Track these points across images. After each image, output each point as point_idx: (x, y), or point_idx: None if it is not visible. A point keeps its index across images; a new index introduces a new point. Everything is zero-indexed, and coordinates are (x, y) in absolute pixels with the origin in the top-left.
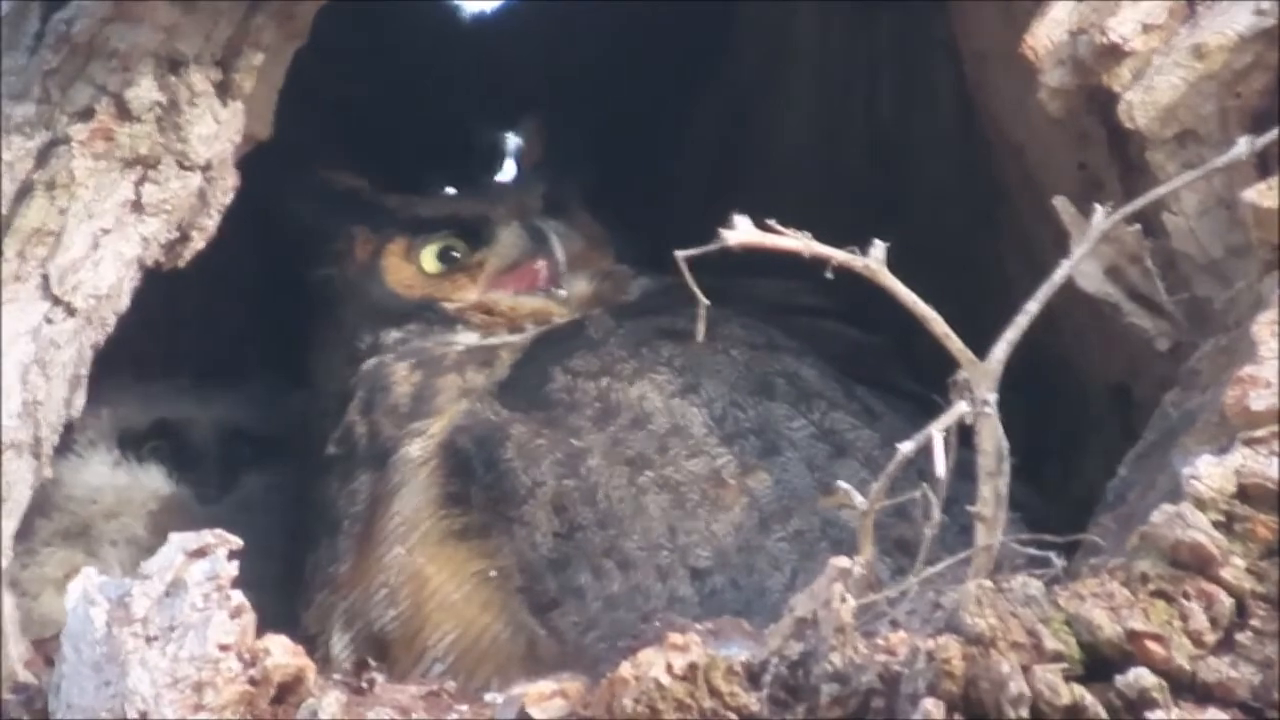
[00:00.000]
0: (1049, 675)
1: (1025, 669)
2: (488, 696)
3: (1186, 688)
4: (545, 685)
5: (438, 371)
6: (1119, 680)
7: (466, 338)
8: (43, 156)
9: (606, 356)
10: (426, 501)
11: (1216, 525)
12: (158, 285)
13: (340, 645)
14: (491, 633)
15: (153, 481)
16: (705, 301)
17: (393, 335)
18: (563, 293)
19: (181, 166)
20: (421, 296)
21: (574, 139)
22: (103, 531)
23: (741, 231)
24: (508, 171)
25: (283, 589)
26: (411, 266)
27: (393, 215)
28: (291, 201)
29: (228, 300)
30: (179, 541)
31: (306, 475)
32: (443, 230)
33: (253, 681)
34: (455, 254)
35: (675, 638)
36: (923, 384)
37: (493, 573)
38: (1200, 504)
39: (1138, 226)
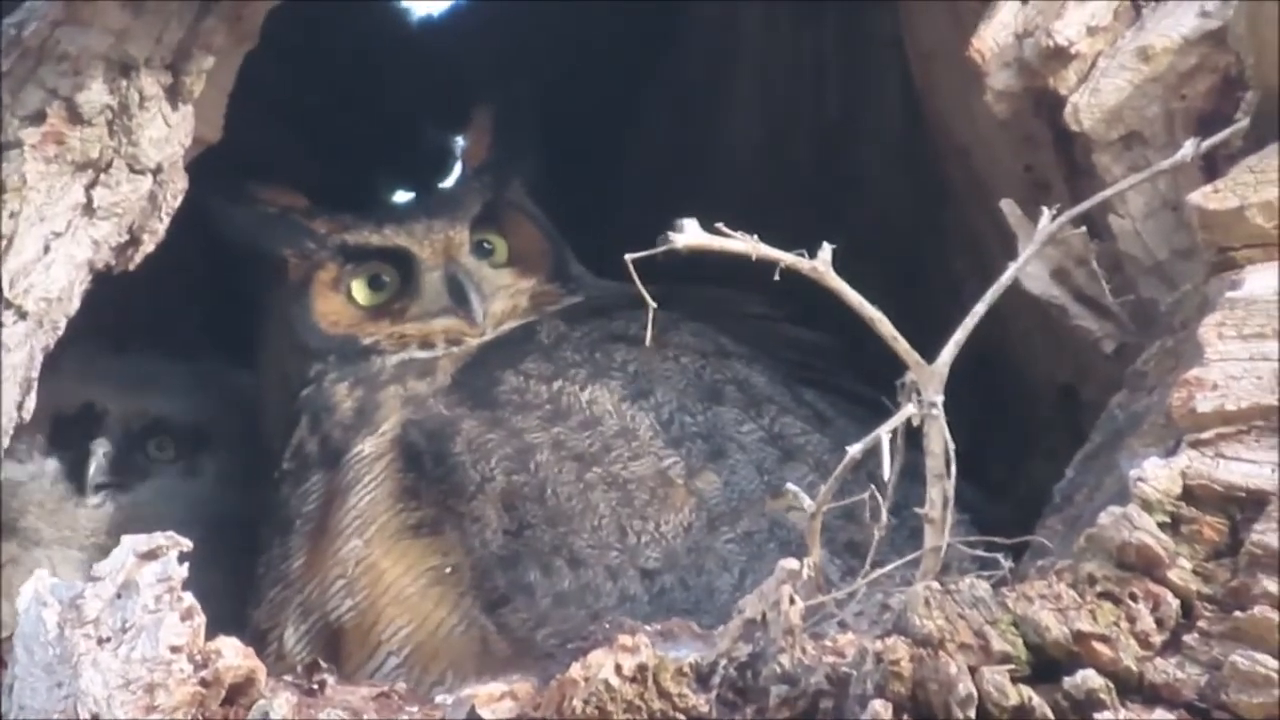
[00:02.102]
0: (997, 676)
1: (973, 670)
2: (438, 698)
3: (1133, 689)
4: (495, 687)
5: (377, 386)
6: (1066, 681)
7: (388, 359)
8: None
9: (560, 361)
10: (383, 495)
11: (1163, 527)
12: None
13: (294, 639)
14: (445, 628)
15: (49, 478)
16: (653, 304)
17: (316, 368)
18: (477, 326)
19: (132, 170)
20: (342, 333)
21: (519, 138)
22: (24, 529)
23: (689, 234)
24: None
25: None
26: (339, 295)
27: (322, 240)
28: (227, 218)
29: (177, 292)
30: (130, 543)
31: (259, 488)
32: (371, 260)
33: (204, 683)
34: (385, 279)
35: (625, 639)
36: (873, 387)
37: (448, 569)
38: (1147, 506)
39: (1084, 229)
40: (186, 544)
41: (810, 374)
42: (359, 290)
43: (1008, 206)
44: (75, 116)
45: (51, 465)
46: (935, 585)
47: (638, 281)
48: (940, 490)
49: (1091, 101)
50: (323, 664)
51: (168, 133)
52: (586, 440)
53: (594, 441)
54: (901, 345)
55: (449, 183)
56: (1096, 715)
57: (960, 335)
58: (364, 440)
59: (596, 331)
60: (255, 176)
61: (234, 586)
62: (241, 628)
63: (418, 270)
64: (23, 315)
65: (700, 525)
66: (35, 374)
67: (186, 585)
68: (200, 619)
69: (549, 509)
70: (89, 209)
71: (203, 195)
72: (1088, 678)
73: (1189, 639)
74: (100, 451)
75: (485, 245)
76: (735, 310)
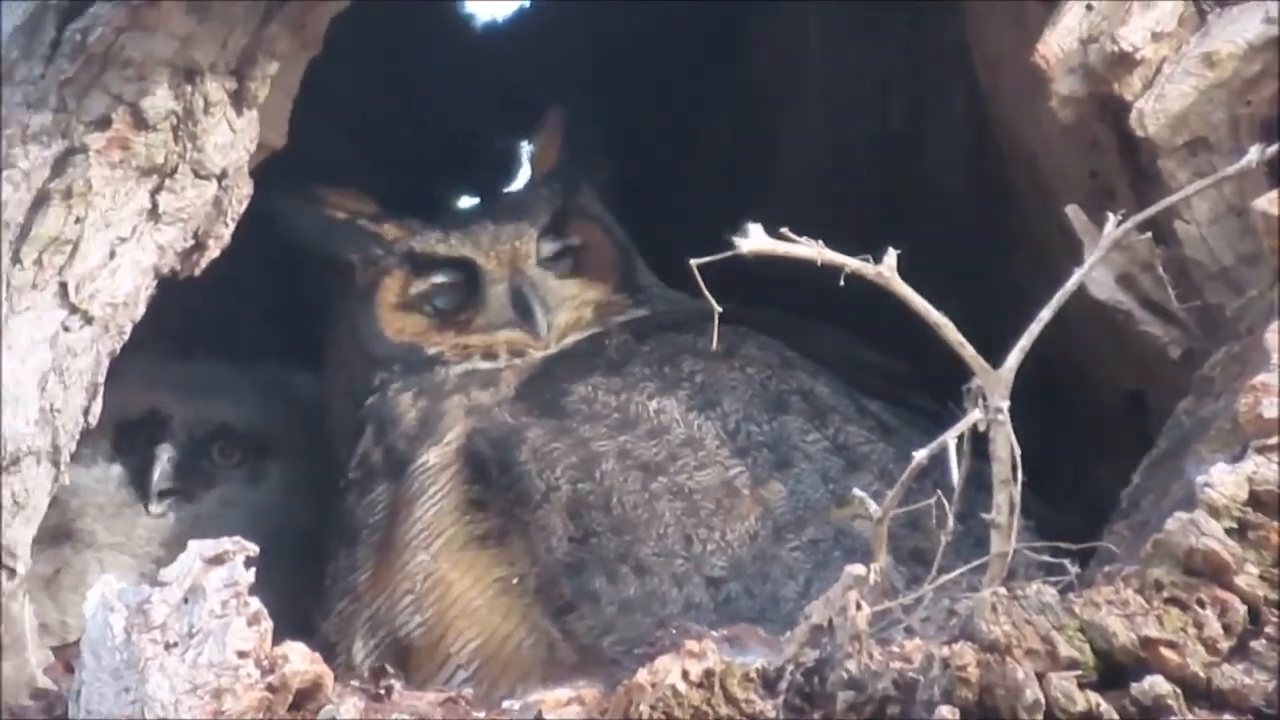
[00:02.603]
0: (1064, 682)
1: (1040, 676)
2: (505, 704)
3: (1201, 695)
4: (562, 692)
5: (441, 396)
6: (1134, 687)
7: (452, 370)
8: (59, 165)
9: (628, 375)
10: (450, 507)
11: (1230, 533)
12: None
13: (363, 653)
14: (514, 640)
15: (112, 484)
16: (718, 309)
17: (380, 376)
18: (541, 340)
19: (197, 175)
20: (405, 342)
21: (589, 143)
22: (79, 531)
23: (754, 239)
24: (522, 178)
25: None
26: (404, 303)
27: (389, 247)
28: (294, 222)
29: (241, 298)
30: (197, 548)
31: (325, 495)
32: (437, 268)
33: (271, 688)
34: (453, 287)
35: (692, 644)
36: (937, 403)
37: (515, 580)
38: (1214, 511)
39: (1149, 234)
40: (253, 549)
41: (874, 386)
42: (425, 299)
43: (1073, 212)
44: (140, 122)
45: (115, 471)
46: (1002, 591)
47: (703, 287)
48: (1006, 496)
49: (1156, 107)
50: (389, 669)
51: (232, 138)
52: (653, 449)
53: (660, 450)
54: (967, 350)
55: (518, 187)
56: None
57: (1026, 341)
58: (429, 450)
59: (665, 346)
60: (322, 181)
61: (298, 594)
62: (305, 634)
63: (483, 281)
64: (89, 320)
65: (766, 533)
66: (101, 379)
67: (253, 590)
68: (267, 624)
69: (614, 517)
70: (154, 214)
71: (270, 199)
72: (1155, 684)
73: (1256, 645)
74: (164, 457)
75: (554, 252)
76: (804, 330)
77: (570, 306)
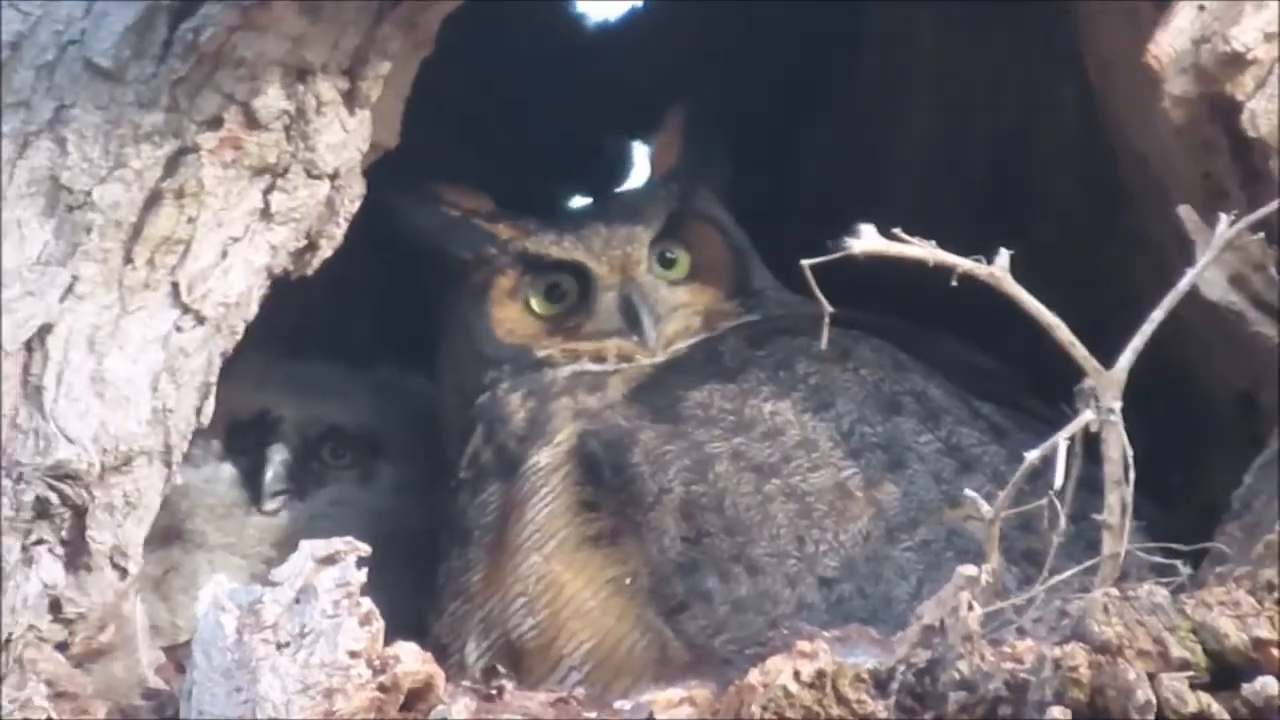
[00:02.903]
0: (1175, 683)
1: (1152, 677)
2: (616, 704)
3: None
4: (674, 692)
5: (549, 397)
6: (1245, 688)
7: (560, 371)
8: (171, 165)
9: (745, 382)
10: (562, 508)
11: None
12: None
13: (475, 654)
14: (627, 642)
15: (224, 483)
16: (829, 309)
17: (490, 375)
18: (649, 348)
19: (309, 175)
20: (517, 343)
21: (709, 144)
22: (190, 531)
23: (866, 240)
24: (637, 178)
25: None
26: (517, 304)
27: (503, 246)
28: (410, 219)
29: (354, 298)
30: (309, 548)
31: (436, 495)
32: (550, 270)
33: (382, 688)
34: (564, 289)
35: (803, 645)
36: (1049, 406)
37: (628, 581)
38: None
39: (1261, 235)
40: (365, 549)
41: (987, 390)
42: (536, 300)
43: (1185, 212)
44: (252, 122)
45: (227, 470)
46: (1114, 592)
47: (815, 288)
48: (1118, 496)
49: (1269, 108)
50: (501, 669)
51: (344, 138)
52: (767, 451)
53: (774, 452)
54: (1079, 351)
55: (635, 187)
56: None
57: (1138, 342)
58: (539, 451)
59: (780, 349)
60: (439, 179)
61: (409, 594)
62: (418, 635)
63: (594, 286)
64: (201, 320)
65: (878, 534)
66: (214, 379)
67: (365, 590)
68: (379, 624)
69: (727, 518)
70: (266, 214)
71: (386, 196)
72: (1266, 684)
73: None
74: (278, 459)
75: (668, 256)
76: (915, 334)
77: (680, 315)
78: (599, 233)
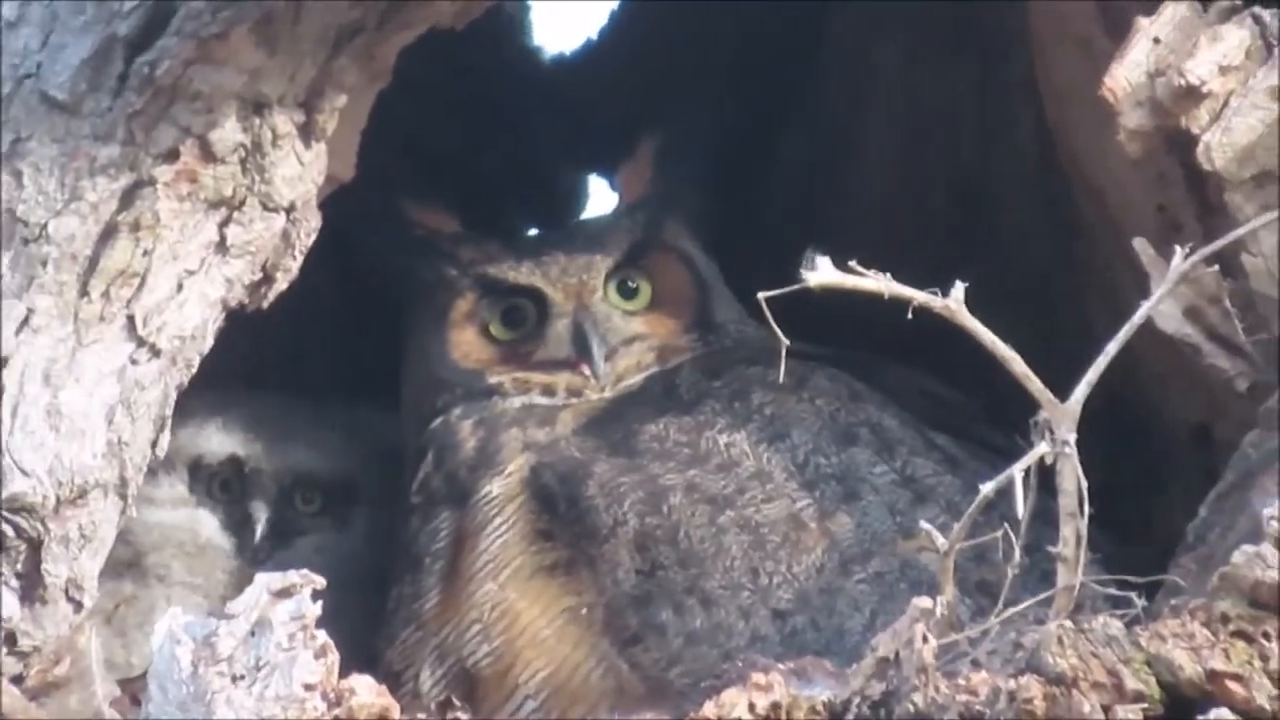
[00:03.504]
0: (1130, 715)
1: (1107, 709)
2: None
3: None
4: None
5: (499, 428)
6: None
7: (511, 402)
8: (127, 198)
9: (700, 415)
10: (517, 537)
11: None
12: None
13: (430, 682)
14: (583, 671)
15: (206, 530)
16: (786, 342)
17: (444, 399)
18: (598, 381)
19: (265, 208)
20: (471, 368)
21: (680, 175)
22: (152, 565)
23: (822, 272)
24: (593, 210)
25: None
26: (474, 328)
27: (464, 269)
28: (373, 238)
29: (310, 331)
30: (264, 581)
31: (394, 518)
32: (509, 297)
33: None
34: (524, 314)
35: (758, 677)
36: (1005, 437)
37: (583, 610)
38: None
39: (1216, 267)
40: (320, 582)
41: (942, 420)
42: (494, 325)
43: (1140, 245)
44: (208, 155)
45: (206, 517)
46: (1068, 624)
47: (771, 320)
48: (1073, 529)
49: (1223, 140)
50: (456, 701)
51: (300, 170)
52: (721, 483)
53: (729, 484)
54: (1034, 384)
55: (604, 214)
56: None
57: (1093, 374)
58: (491, 481)
59: (736, 380)
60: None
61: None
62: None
63: (550, 312)
64: (156, 353)
65: (832, 566)
66: (169, 412)
67: (320, 623)
68: (334, 656)
69: (682, 551)
70: (222, 247)
71: (351, 216)
72: (1221, 716)
73: None
74: (262, 518)
75: (629, 284)
76: (872, 365)
77: (634, 349)
78: (558, 260)
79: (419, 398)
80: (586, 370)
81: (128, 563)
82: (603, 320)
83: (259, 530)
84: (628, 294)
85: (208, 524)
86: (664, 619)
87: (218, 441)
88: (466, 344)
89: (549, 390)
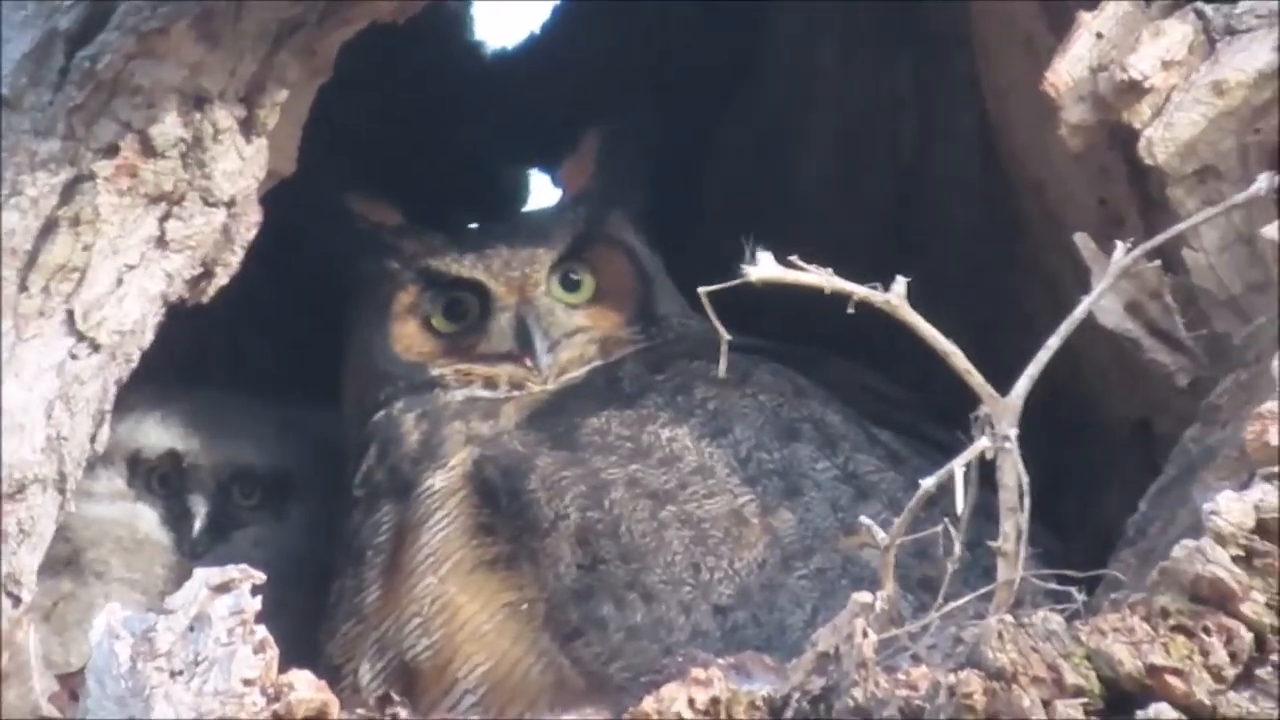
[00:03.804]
0: (1070, 710)
1: (1046, 704)
2: None
3: None
4: (569, 719)
5: (442, 421)
6: (1139, 715)
7: (454, 394)
8: (67, 193)
9: (643, 409)
10: (458, 531)
11: (1236, 560)
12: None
13: (369, 676)
14: (523, 666)
15: (145, 524)
16: (727, 336)
17: (386, 391)
18: (540, 374)
19: (206, 203)
20: (413, 360)
21: (623, 167)
22: (90, 561)
23: (763, 267)
24: (534, 205)
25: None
26: (416, 320)
27: (407, 262)
28: (316, 231)
29: (253, 329)
30: (203, 576)
31: (336, 512)
32: (451, 288)
33: (277, 716)
34: (466, 307)
35: (697, 672)
36: (948, 432)
37: (524, 606)
38: (1220, 539)
39: (1158, 262)
40: (259, 576)
41: (885, 416)
42: (436, 317)
43: (1082, 240)
44: (149, 149)
45: (145, 511)
46: (1008, 619)
47: (712, 315)
48: (1014, 523)
49: (1165, 135)
50: (395, 696)
51: (241, 165)
52: (663, 478)
53: (670, 479)
54: (975, 379)
55: (546, 207)
56: None
57: (1034, 369)
58: (433, 474)
59: (679, 374)
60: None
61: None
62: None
63: (492, 306)
64: (96, 348)
65: (774, 562)
66: (109, 407)
67: (259, 618)
68: (273, 652)
69: (623, 545)
70: (162, 241)
71: (293, 208)
72: (1161, 711)
73: (1262, 672)
74: (201, 512)
75: (572, 277)
76: (814, 359)
77: (576, 341)
78: (500, 253)
79: (361, 390)
80: (529, 363)
81: (65, 560)
82: (545, 314)
83: (197, 524)
84: (570, 287)
85: (146, 518)
86: (605, 613)
87: (156, 436)
88: (408, 337)
89: (491, 383)
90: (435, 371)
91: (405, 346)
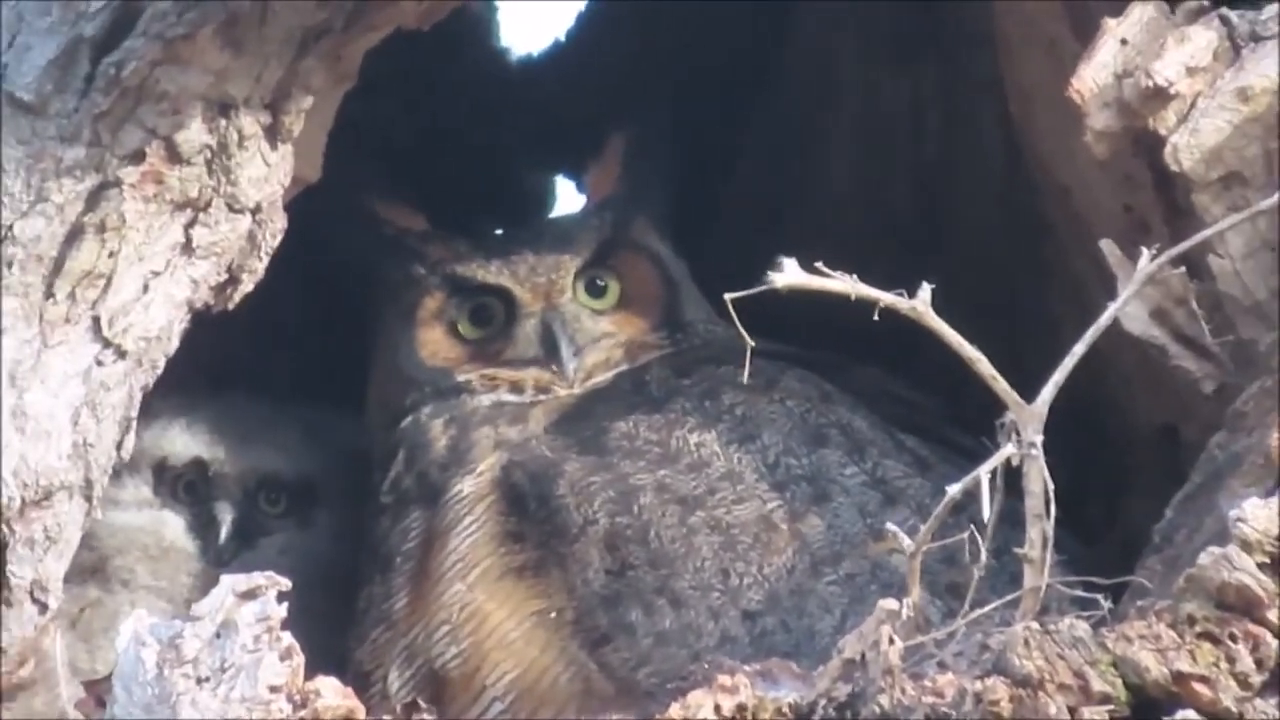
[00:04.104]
0: (1096, 717)
1: (1073, 711)
2: None
3: None
4: None
5: (470, 426)
6: None
7: (480, 399)
8: (93, 199)
9: (671, 413)
10: (486, 538)
11: (1262, 567)
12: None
13: (398, 683)
14: (551, 673)
15: (171, 532)
16: (751, 343)
17: (412, 397)
18: (566, 379)
19: (231, 209)
20: (439, 366)
21: (648, 173)
22: (116, 569)
23: (788, 273)
24: (569, 206)
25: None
26: (442, 326)
27: (433, 267)
28: (342, 236)
29: (277, 335)
30: (229, 583)
31: (364, 518)
32: (476, 296)
33: None
34: (491, 312)
35: (724, 679)
36: (973, 438)
37: (552, 613)
38: (1247, 546)
39: (1183, 269)
40: (285, 583)
41: (911, 422)
42: (462, 323)
43: (1107, 246)
44: (174, 156)
45: (171, 518)
46: (1035, 625)
47: (736, 321)
48: (1039, 530)
49: (1191, 142)
50: (422, 704)
51: (266, 172)
52: (692, 483)
53: (699, 484)
54: (1001, 385)
55: (572, 213)
56: None
57: (1059, 375)
58: (462, 480)
59: (707, 379)
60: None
61: (342, 635)
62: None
63: (518, 312)
64: (122, 354)
65: (803, 568)
66: (134, 413)
67: (285, 625)
68: (299, 658)
69: (652, 551)
70: (188, 248)
71: (319, 214)
72: (1187, 718)
73: None
74: (228, 520)
75: (598, 283)
76: (840, 366)
77: (602, 346)
78: (526, 259)
79: (387, 397)
80: (555, 368)
81: (92, 568)
82: (571, 320)
83: (224, 532)
84: (596, 293)
85: (172, 526)
86: (633, 619)
87: (182, 443)
88: (434, 342)
89: (517, 387)
90: (461, 377)
91: (431, 352)
